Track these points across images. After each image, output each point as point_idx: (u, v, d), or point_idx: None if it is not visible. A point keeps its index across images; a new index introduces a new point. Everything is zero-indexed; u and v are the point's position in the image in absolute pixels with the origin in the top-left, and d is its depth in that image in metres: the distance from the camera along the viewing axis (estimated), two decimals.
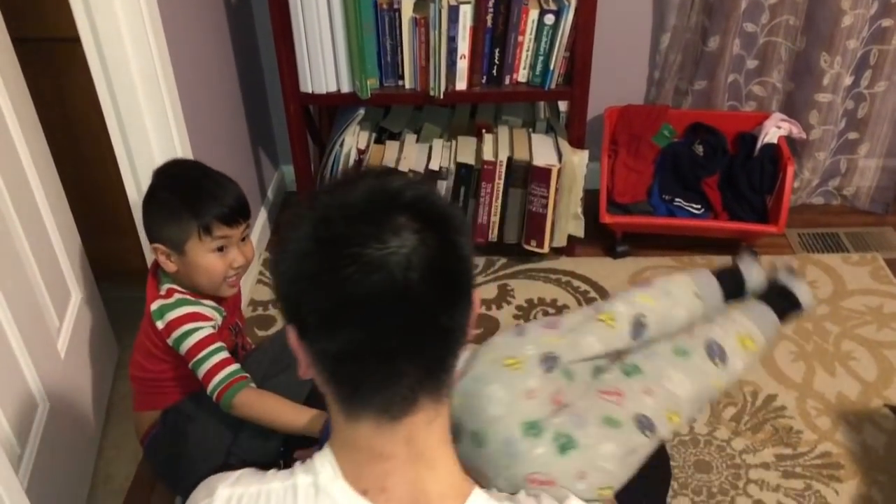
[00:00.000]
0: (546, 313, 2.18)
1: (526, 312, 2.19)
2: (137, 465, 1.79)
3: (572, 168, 2.18)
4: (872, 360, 2.02)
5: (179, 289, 1.55)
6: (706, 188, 2.34)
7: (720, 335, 1.37)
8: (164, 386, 1.61)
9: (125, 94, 1.69)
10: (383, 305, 0.72)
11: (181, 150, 1.80)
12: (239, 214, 1.51)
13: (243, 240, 1.54)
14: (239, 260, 1.53)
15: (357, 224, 0.73)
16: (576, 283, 2.29)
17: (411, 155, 2.24)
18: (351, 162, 2.19)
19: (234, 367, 1.50)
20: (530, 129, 2.31)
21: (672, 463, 1.76)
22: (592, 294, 2.25)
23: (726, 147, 2.39)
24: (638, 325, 1.35)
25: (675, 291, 1.44)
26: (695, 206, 2.33)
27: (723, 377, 1.36)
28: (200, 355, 1.49)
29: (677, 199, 2.34)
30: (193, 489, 0.87)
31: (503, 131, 2.29)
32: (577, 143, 2.21)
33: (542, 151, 2.21)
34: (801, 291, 1.52)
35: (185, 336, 1.50)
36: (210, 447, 1.56)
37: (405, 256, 0.72)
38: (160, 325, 1.54)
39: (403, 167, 2.19)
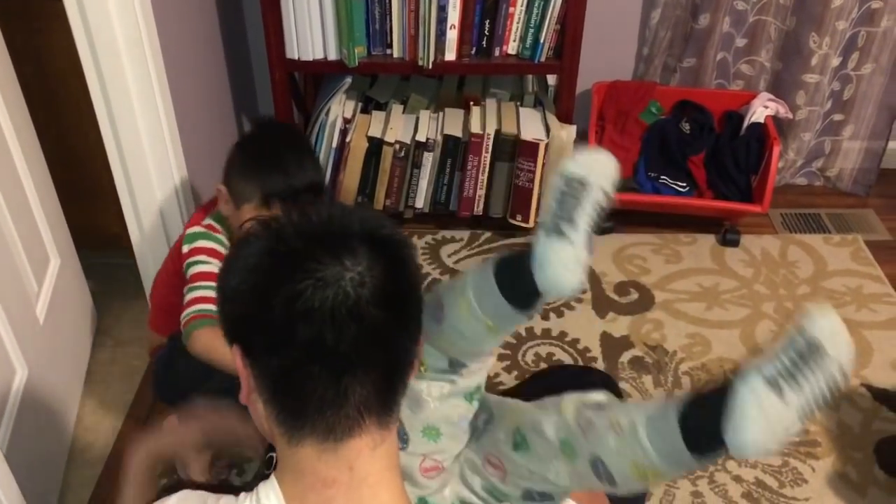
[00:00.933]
0: None
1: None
2: (117, 433, 1.77)
3: (560, 142, 2.17)
4: (851, 339, 2.04)
5: (221, 231, 1.59)
6: (692, 166, 2.35)
7: (610, 454, 1.03)
8: (175, 314, 1.60)
9: (108, 58, 1.65)
10: (335, 321, 0.72)
11: (164, 115, 1.77)
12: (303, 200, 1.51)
13: None
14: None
15: (314, 243, 0.75)
16: None
17: (398, 126, 2.21)
18: (337, 131, 2.16)
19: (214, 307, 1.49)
20: (518, 103, 2.29)
21: None
22: None
23: (713, 125, 2.39)
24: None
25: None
26: (680, 183, 2.33)
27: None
28: (196, 284, 1.51)
29: (663, 177, 2.34)
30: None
31: (491, 104, 2.27)
32: (565, 118, 2.20)
33: (530, 125, 2.20)
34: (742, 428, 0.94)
35: (197, 263, 1.54)
36: (198, 373, 1.54)
37: (359, 275, 0.73)
38: (186, 249, 1.57)
39: (390, 138, 2.17)
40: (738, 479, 1.70)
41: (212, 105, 2.17)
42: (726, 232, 2.33)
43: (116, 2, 1.59)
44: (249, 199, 1.52)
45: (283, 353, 0.74)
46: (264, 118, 1.56)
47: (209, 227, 1.60)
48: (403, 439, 1.15)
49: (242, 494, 0.80)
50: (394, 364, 0.78)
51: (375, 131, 2.18)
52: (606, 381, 1.60)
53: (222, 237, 1.60)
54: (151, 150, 1.79)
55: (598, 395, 1.12)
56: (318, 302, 0.72)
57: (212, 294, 1.45)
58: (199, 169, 2.00)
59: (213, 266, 1.54)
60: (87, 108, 1.74)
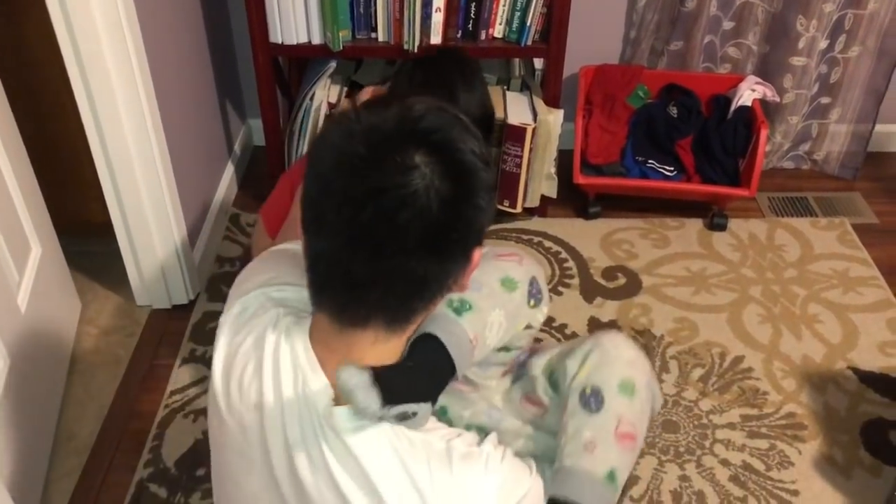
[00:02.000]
0: None
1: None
2: (102, 421, 1.76)
3: (547, 127, 2.15)
4: (838, 323, 2.05)
5: None
6: (679, 150, 2.34)
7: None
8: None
9: (88, 44, 1.62)
10: (364, 232, 0.76)
11: (146, 101, 1.74)
12: None
13: None
14: None
15: (375, 149, 0.76)
16: (547, 243, 2.29)
17: None
18: (322, 116, 2.14)
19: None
20: (505, 87, 2.27)
21: None
22: (564, 255, 2.24)
23: (700, 109, 2.38)
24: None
25: None
26: (668, 168, 2.33)
27: None
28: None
29: (650, 161, 2.33)
30: None
31: None
32: (552, 102, 2.19)
33: (517, 110, 2.18)
34: None
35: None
36: None
37: (402, 196, 0.75)
38: None
39: None
40: (725, 462, 1.70)
41: (195, 90, 2.14)
42: (714, 216, 2.33)
43: None
44: None
45: (320, 244, 0.81)
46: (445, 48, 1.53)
47: None
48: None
49: (291, 317, 0.92)
50: (413, 288, 0.81)
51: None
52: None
53: None
54: (133, 138, 1.76)
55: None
56: (357, 211, 0.76)
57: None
58: (182, 156, 1.98)
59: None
60: (67, 95, 1.72)
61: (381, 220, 0.75)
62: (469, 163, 0.79)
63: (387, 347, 0.87)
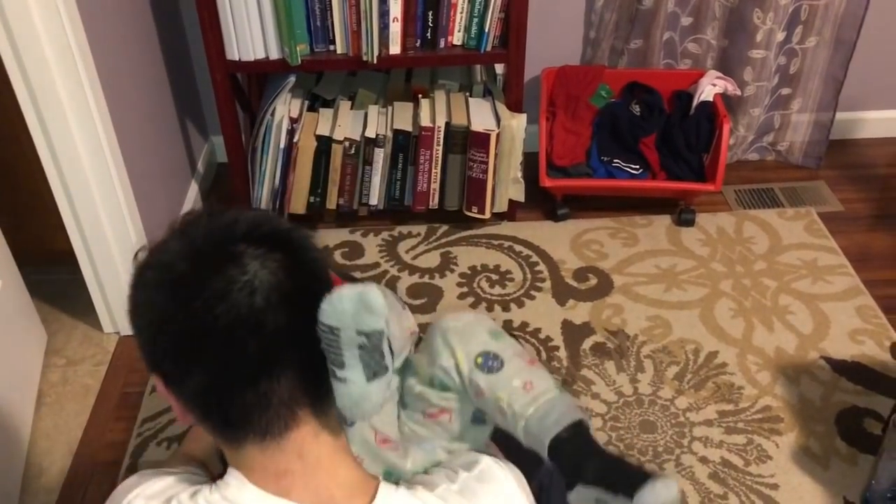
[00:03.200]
0: (490, 280, 2.16)
1: (469, 279, 2.16)
2: (73, 455, 1.72)
3: (511, 132, 2.15)
4: (808, 313, 2.06)
5: None
6: (644, 148, 2.34)
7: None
8: None
9: (37, 69, 1.59)
10: (232, 335, 0.73)
11: (101, 124, 1.71)
12: None
13: None
14: None
15: (197, 263, 0.74)
16: (518, 247, 2.28)
17: (346, 123, 2.17)
18: (284, 132, 2.12)
19: None
20: (467, 94, 2.27)
21: (617, 424, 1.77)
22: (535, 258, 2.24)
23: (663, 106, 2.39)
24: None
25: None
26: (633, 166, 2.33)
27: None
28: None
29: (616, 161, 2.33)
30: None
31: (440, 96, 2.24)
32: (514, 107, 2.18)
33: (480, 116, 2.17)
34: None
35: None
36: None
37: (247, 283, 0.73)
38: None
39: (339, 136, 2.13)
40: (704, 459, 1.70)
41: (153, 110, 2.11)
42: (681, 212, 2.33)
43: (40, 10, 1.53)
44: None
45: (195, 374, 0.75)
46: None
47: None
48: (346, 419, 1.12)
49: (205, 488, 0.81)
50: (309, 357, 0.78)
51: (324, 129, 2.14)
52: None
53: None
54: (90, 163, 1.73)
55: (489, 342, 1.13)
56: (212, 320, 0.73)
57: None
58: (143, 177, 1.95)
59: None
60: (21, 123, 1.68)
61: (241, 314, 0.73)
62: (283, 228, 0.79)
63: (328, 433, 0.80)
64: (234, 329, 0.73)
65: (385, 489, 0.82)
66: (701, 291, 2.12)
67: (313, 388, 0.78)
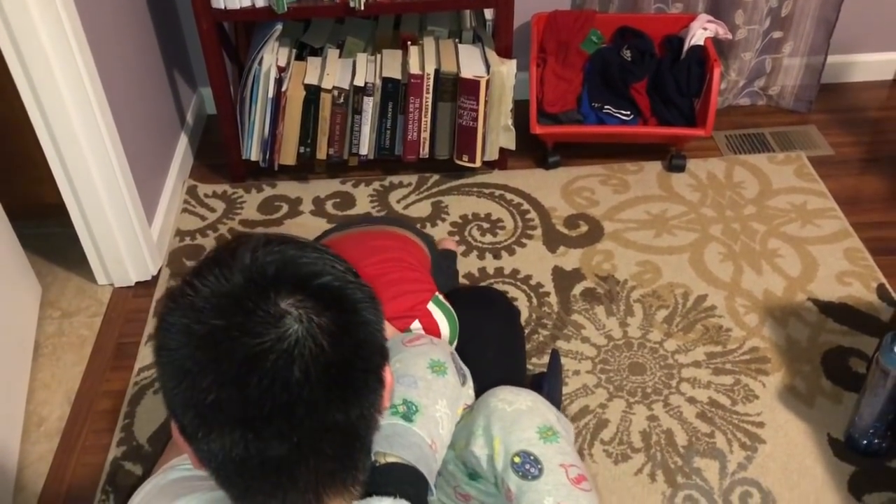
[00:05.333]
0: (481, 228, 2.17)
1: (461, 228, 2.17)
2: (71, 403, 1.75)
3: (501, 79, 2.14)
4: (797, 256, 2.08)
5: None
6: (635, 94, 2.33)
7: None
8: None
9: (21, 22, 1.57)
10: (262, 410, 0.64)
11: (87, 76, 1.70)
12: None
13: None
14: None
15: (232, 314, 0.64)
16: (509, 196, 2.28)
17: (334, 71, 2.16)
18: (272, 81, 2.10)
19: None
20: (457, 40, 2.25)
21: (607, 367, 1.80)
22: (526, 206, 2.25)
23: (654, 51, 2.37)
24: None
25: None
26: (624, 112, 2.32)
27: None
28: None
29: (606, 107, 2.33)
30: None
31: (429, 43, 2.22)
32: (504, 53, 2.16)
33: (470, 62, 2.16)
34: None
35: None
36: None
37: (285, 351, 0.63)
38: None
39: (327, 84, 2.11)
40: (692, 400, 1.74)
41: (139, 61, 2.09)
42: (672, 158, 2.34)
43: None
44: None
45: (214, 440, 0.66)
46: None
47: None
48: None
49: None
50: (345, 439, 0.68)
51: (312, 78, 2.13)
52: (499, 300, 1.58)
53: None
54: (78, 115, 1.72)
55: (528, 433, 1.00)
56: (241, 390, 0.63)
57: None
58: (132, 130, 1.94)
59: None
60: (5, 74, 1.67)
61: (274, 387, 0.63)
62: (336, 284, 0.68)
63: None
64: (264, 403, 0.63)
65: None
66: (690, 236, 2.13)
67: (341, 473, 0.70)
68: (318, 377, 0.64)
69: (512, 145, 2.28)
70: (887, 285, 1.99)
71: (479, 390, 1.16)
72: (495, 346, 1.36)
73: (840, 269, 2.04)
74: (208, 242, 2.13)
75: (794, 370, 1.80)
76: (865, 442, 1.62)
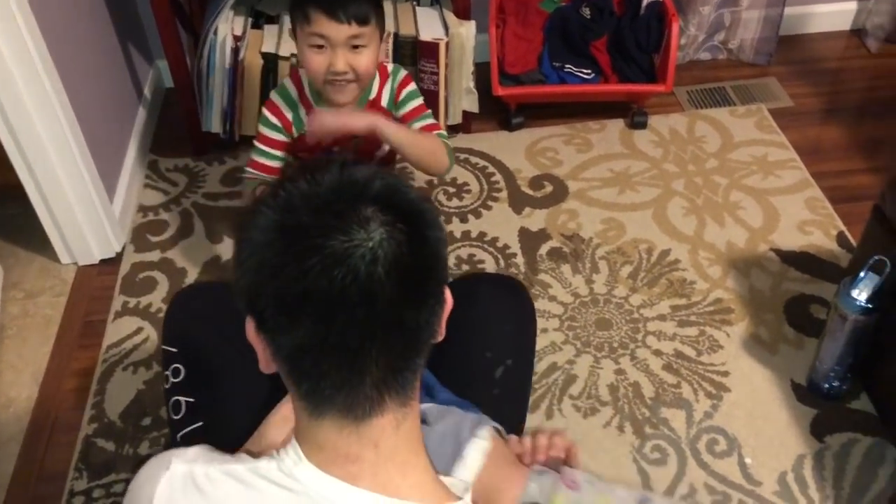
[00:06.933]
0: (447, 192, 2.17)
1: (427, 193, 2.17)
2: (39, 384, 1.74)
3: (460, 41, 2.12)
4: (759, 207, 2.11)
5: (301, 78, 1.60)
6: (595, 52, 2.33)
7: None
8: None
9: None
10: (345, 301, 0.68)
11: (36, 51, 1.66)
12: (344, 11, 1.42)
13: (356, 47, 1.47)
14: (338, 65, 1.46)
15: (322, 214, 0.70)
16: (474, 159, 2.28)
17: (257, 42, 2.13)
18: (228, 51, 2.07)
19: (255, 173, 1.63)
20: (415, 2, 2.23)
21: (574, 324, 1.82)
22: (491, 169, 2.25)
23: (612, 8, 2.37)
24: None
25: None
26: (585, 70, 2.32)
27: None
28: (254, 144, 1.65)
29: (567, 66, 2.32)
30: None
31: (386, 5, 2.19)
32: (462, 14, 2.15)
33: (428, 25, 2.14)
34: None
35: (258, 120, 1.65)
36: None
37: (370, 250, 0.68)
38: None
39: (285, 52, 2.09)
40: (658, 352, 1.76)
41: (91, 35, 2.05)
42: (634, 115, 2.34)
43: None
44: (295, 21, 1.48)
45: (294, 332, 0.70)
46: None
47: (292, 72, 1.65)
48: None
49: (264, 458, 0.77)
50: (412, 340, 0.73)
51: (269, 46, 2.10)
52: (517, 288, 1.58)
53: (290, 88, 1.62)
54: (28, 91, 1.69)
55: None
56: (327, 282, 0.68)
57: (255, 157, 1.63)
58: (87, 104, 1.91)
59: (264, 126, 1.62)
60: None
61: (359, 281, 0.68)
62: (416, 200, 0.75)
63: (407, 427, 0.77)
64: (348, 296, 0.68)
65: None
66: (654, 192, 2.15)
67: (405, 373, 0.74)
68: (398, 277, 0.69)
69: (475, 108, 2.27)
70: (847, 232, 2.03)
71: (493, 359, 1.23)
72: (514, 324, 1.36)
73: (801, 219, 2.07)
74: (172, 217, 2.11)
75: (758, 319, 1.83)
76: (826, 385, 1.66)
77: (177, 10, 2.11)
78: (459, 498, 0.79)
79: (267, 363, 0.76)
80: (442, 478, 0.81)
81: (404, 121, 1.64)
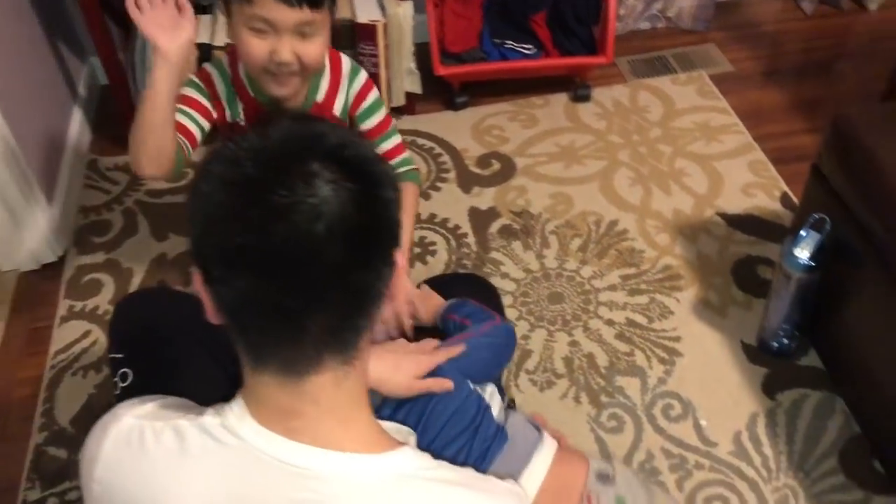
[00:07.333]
0: None
1: None
2: None
3: (398, 21, 2.10)
4: (703, 173, 2.13)
5: (237, 60, 1.42)
6: (535, 26, 2.33)
7: None
8: None
9: None
10: (284, 257, 0.67)
11: None
12: None
13: (304, 35, 1.29)
14: (283, 54, 1.28)
15: (267, 168, 0.69)
16: (420, 140, 2.27)
17: (225, 27, 2.09)
18: None
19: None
20: None
21: (527, 299, 1.83)
22: (438, 150, 2.24)
23: None
24: None
25: None
26: (526, 46, 2.32)
27: None
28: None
29: (508, 42, 2.32)
30: None
31: None
32: None
33: (365, 7, 2.11)
34: None
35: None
36: None
37: (313, 206, 0.67)
38: None
39: (219, 42, 2.05)
40: (610, 322, 1.78)
41: (20, 34, 1.99)
42: (577, 88, 2.35)
43: None
44: None
45: (234, 285, 0.70)
46: None
47: (230, 50, 1.45)
48: None
49: (210, 411, 0.78)
50: (354, 302, 0.72)
51: (203, 37, 2.05)
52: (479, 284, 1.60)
53: (226, 67, 1.46)
54: None
55: None
56: (267, 237, 0.67)
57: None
58: (20, 106, 1.85)
59: (187, 87, 1.45)
60: None
61: (299, 238, 0.67)
62: (369, 158, 0.73)
63: (350, 384, 0.76)
64: (287, 252, 0.67)
65: (404, 452, 0.77)
66: (600, 164, 2.16)
67: (346, 334, 0.74)
68: (341, 237, 0.68)
69: (418, 89, 2.26)
70: (789, 193, 2.06)
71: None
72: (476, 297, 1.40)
73: (745, 182, 2.10)
74: (115, 217, 2.07)
75: (707, 283, 1.86)
76: (776, 344, 1.70)
77: (105, 5, 2.06)
78: (404, 443, 0.79)
79: (213, 314, 0.75)
80: (386, 424, 0.82)
81: (366, 138, 1.47)
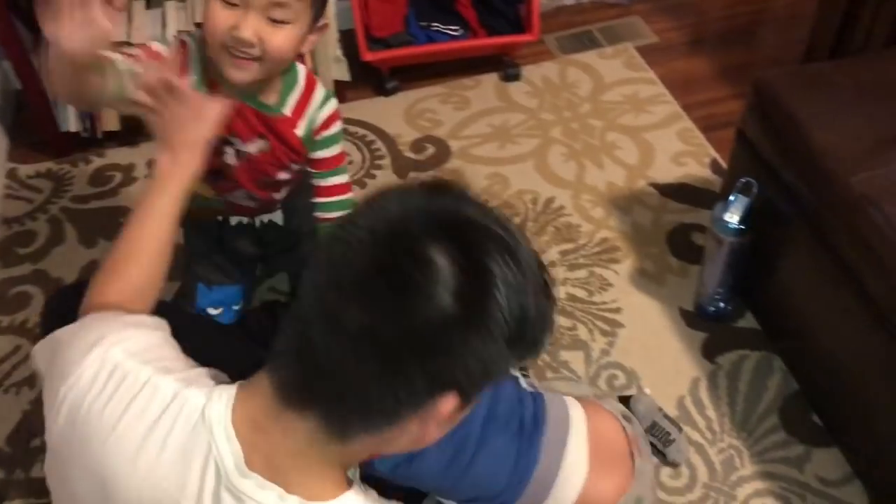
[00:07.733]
0: None
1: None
2: None
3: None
4: (634, 145, 2.15)
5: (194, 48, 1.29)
6: (461, 8, 2.32)
7: None
8: None
9: None
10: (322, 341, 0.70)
11: None
12: None
13: (277, 21, 1.18)
14: (244, 30, 1.16)
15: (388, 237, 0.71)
16: (353, 128, 2.24)
17: (143, 24, 2.03)
18: None
19: None
20: None
21: None
22: (371, 137, 2.21)
23: None
24: None
25: None
26: (452, 27, 2.31)
27: None
28: None
29: (434, 24, 2.30)
30: None
31: None
32: None
33: None
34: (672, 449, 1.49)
35: None
36: None
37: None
38: None
39: (136, 39, 1.99)
40: None
41: None
42: (506, 67, 2.35)
43: None
44: None
45: (311, 308, 0.72)
46: None
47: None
48: None
49: (195, 389, 0.79)
50: (360, 398, 0.71)
51: (119, 35, 1.99)
52: None
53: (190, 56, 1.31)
54: None
55: None
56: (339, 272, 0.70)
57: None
58: None
59: None
60: None
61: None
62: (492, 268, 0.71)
63: (322, 459, 0.74)
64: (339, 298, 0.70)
65: (347, 497, 0.75)
66: (533, 142, 2.17)
67: (344, 403, 0.71)
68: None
69: (346, 76, 2.23)
70: (719, 159, 2.10)
71: None
72: None
73: (675, 151, 2.13)
74: (39, 226, 2.00)
75: (643, 254, 1.88)
76: (713, 308, 1.73)
77: (11, 5, 1.98)
78: (349, 487, 0.77)
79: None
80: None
81: (315, 167, 1.44)
